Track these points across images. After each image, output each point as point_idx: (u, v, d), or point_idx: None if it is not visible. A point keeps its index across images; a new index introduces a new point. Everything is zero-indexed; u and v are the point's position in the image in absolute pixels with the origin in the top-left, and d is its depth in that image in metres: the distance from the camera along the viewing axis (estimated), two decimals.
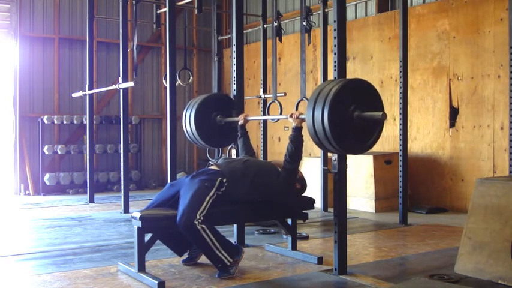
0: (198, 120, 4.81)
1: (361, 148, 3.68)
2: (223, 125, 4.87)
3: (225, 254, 3.76)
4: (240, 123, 4.68)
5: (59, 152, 9.21)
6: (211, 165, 4.17)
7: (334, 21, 3.90)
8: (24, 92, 9.22)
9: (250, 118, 4.74)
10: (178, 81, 7.38)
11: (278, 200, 4.19)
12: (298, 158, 4.07)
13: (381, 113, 3.47)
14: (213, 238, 3.72)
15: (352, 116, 3.49)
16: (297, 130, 4.05)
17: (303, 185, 4.32)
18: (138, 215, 3.74)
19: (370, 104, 3.58)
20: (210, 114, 4.86)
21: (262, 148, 7.69)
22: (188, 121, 4.87)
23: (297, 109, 6.19)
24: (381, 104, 3.66)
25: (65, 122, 9.34)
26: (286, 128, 9.37)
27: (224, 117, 4.87)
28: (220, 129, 4.88)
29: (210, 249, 3.73)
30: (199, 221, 3.68)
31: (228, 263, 3.77)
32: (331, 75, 4.13)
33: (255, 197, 4.07)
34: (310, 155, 8.38)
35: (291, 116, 4.11)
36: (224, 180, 3.93)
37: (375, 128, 3.65)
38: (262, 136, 7.69)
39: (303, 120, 4.00)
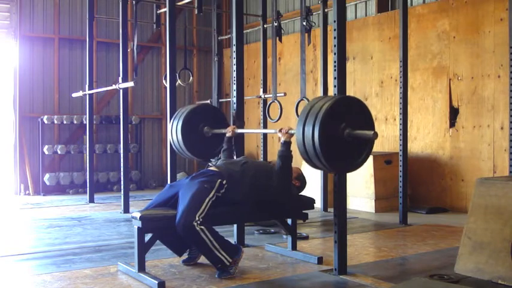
0: (185, 130, 4.79)
1: (351, 166, 3.67)
2: (210, 136, 4.87)
3: (224, 254, 3.75)
4: (227, 135, 4.65)
5: (59, 152, 9.21)
6: (211, 166, 4.17)
7: (334, 21, 3.90)
8: (24, 92, 9.22)
9: (239, 131, 4.72)
10: (178, 81, 7.38)
11: (278, 200, 4.19)
12: (288, 173, 4.06)
13: (372, 132, 3.45)
14: (212, 239, 3.71)
15: (342, 134, 3.49)
16: (286, 145, 4.05)
17: (302, 183, 4.32)
18: (138, 215, 3.74)
19: (361, 122, 3.57)
20: (197, 125, 4.86)
21: (262, 148, 7.70)
22: (175, 131, 4.86)
23: (296, 109, 6.21)
24: (371, 123, 3.66)
25: (65, 122, 9.35)
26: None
27: (211, 129, 4.87)
28: (206, 140, 4.86)
29: (209, 250, 3.73)
30: (198, 222, 3.68)
31: (228, 263, 3.77)
32: (331, 75, 4.14)
33: (255, 197, 4.07)
34: None
35: (280, 130, 4.11)
36: (224, 182, 3.94)
37: (365, 146, 3.63)
38: (262, 136, 7.70)
39: (291, 135, 4.01)
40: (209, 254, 3.76)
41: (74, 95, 8.45)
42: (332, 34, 3.94)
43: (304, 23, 6.42)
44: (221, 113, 5.14)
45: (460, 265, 3.80)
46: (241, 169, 4.08)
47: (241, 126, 4.91)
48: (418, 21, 7.37)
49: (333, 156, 3.49)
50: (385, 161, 7.09)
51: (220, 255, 3.74)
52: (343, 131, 3.49)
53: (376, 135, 3.45)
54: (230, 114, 5.05)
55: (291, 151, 4.06)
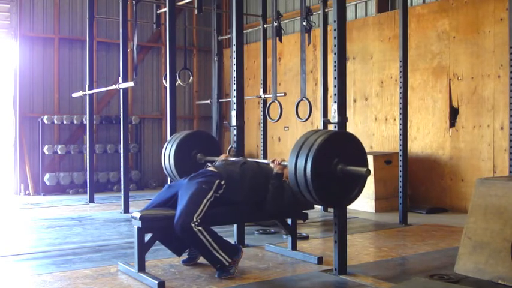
0: (178, 155, 4.83)
1: (342, 202, 3.67)
2: (203, 163, 4.88)
3: (223, 254, 3.75)
4: None
5: (59, 152, 9.21)
6: (209, 167, 4.17)
7: (334, 21, 3.90)
8: (24, 92, 9.22)
9: (232, 159, 4.72)
10: (178, 81, 7.38)
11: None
12: (278, 202, 4.04)
13: (365, 169, 3.45)
14: (210, 239, 3.70)
15: (335, 169, 3.48)
16: (278, 177, 4.06)
17: None
18: (138, 215, 3.74)
19: (354, 157, 3.57)
20: (190, 152, 4.90)
21: (262, 148, 7.70)
22: (168, 156, 4.89)
23: (296, 109, 6.20)
24: (365, 158, 3.66)
25: (65, 122, 9.35)
26: (286, 128, 9.38)
27: (204, 156, 4.89)
28: (199, 167, 4.83)
29: (208, 250, 3.72)
30: (196, 223, 3.67)
31: (227, 263, 3.77)
32: (331, 75, 4.14)
33: (254, 198, 4.07)
34: None
35: (273, 161, 4.12)
36: (222, 183, 3.93)
37: (357, 183, 3.63)
38: (262, 136, 7.70)
39: (284, 166, 4.01)
40: (208, 254, 3.76)
41: (74, 95, 8.45)
42: (332, 34, 3.94)
43: (304, 23, 6.41)
44: (215, 140, 5.22)
45: (460, 265, 3.80)
46: (240, 170, 4.08)
47: (241, 127, 4.91)
48: (418, 21, 7.37)
49: (324, 191, 3.49)
50: (385, 161, 7.09)
51: (219, 256, 3.74)
52: (335, 166, 3.49)
53: (368, 172, 3.44)
54: (230, 115, 5.05)
55: (283, 182, 4.07)
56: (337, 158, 3.49)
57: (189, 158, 4.89)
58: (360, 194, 3.67)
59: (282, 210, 4.13)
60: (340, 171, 3.48)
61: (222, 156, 4.64)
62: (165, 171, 5.06)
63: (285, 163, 3.97)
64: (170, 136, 5.35)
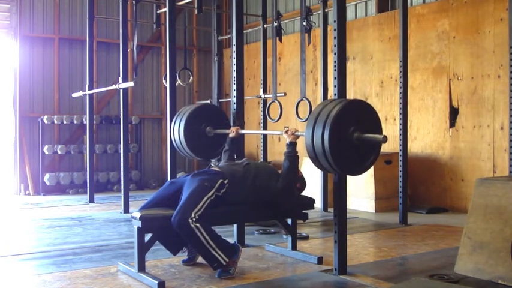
0: (187, 129, 4.83)
1: (358, 169, 3.70)
2: (212, 136, 4.89)
3: (220, 253, 3.73)
4: (230, 135, 4.64)
5: (59, 152, 9.21)
6: (213, 166, 4.17)
7: (334, 21, 3.90)
8: (24, 92, 9.22)
9: (243, 131, 4.71)
10: (178, 81, 7.37)
11: (279, 200, 4.17)
12: (295, 172, 4.09)
13: (382, 136, 3.50)
14: (207, 237, 3.69)
15: (351, 137, 3.53)
16: (292, 145, 4.09)
17: (302, 184, 4.32)
18: (138, 215, 3.74)
19: (369, 125, 3.61)
20: (199, 125, 4.90)
21: (262, 148, 7.70)
22: (177, 130, 4.89)
23: (296, 109, 6.20)
24: (380, 127, 3.70)
25: (65, 122, 9.34)
26: (287, 128, 9.36)
27: (214, 129, 4.89)
28: (209, 140, 4.89)
29: (204, 248, 3.71)
30: (194, 219, 3.66)
31: (224, 263, 3.75)
32: (331, 75, 4.14)
33: (255, 198, 4.07)
34: None
35: (286, 132, 4.13)
36: (225, 182, 3.93)
37: (373, 150, 3.67)
38: (262, 136, 7.69)
39: (298, 136, 4.07)
40: (204, 252, 3.75)
41: (74, 95, 8.45)
42: (332, 34, 3.94)
43: (304, 23, 6.41)
44: (223, 113, 5.17)
45: (460, 265, 3.80)
46: (243, 170, 4.09)
47: (242, 126, 4.91)
48: (418, 21, 7.37)
49: (341, 158, 3.53)
50: (385, 161, 7.09)
51: (216, 254, 3.72)
52: (352, 134, 3.54)
53: (386, 139, 3.50)
54: (230, 114, 5.06)
55: (297, 151, 4.10)
56: (353, 126, 3.55)
57: (199, 131, 4.89)
58: (375, 161, 3.72)
59: (292, 186, 4.09)
60: (356, 139, 3.53)
61: (233, 129, 4.65)
62: (175, 145, 5.04)
63: (299, 133, 4.02)
64: (173, 113, 5.31)
